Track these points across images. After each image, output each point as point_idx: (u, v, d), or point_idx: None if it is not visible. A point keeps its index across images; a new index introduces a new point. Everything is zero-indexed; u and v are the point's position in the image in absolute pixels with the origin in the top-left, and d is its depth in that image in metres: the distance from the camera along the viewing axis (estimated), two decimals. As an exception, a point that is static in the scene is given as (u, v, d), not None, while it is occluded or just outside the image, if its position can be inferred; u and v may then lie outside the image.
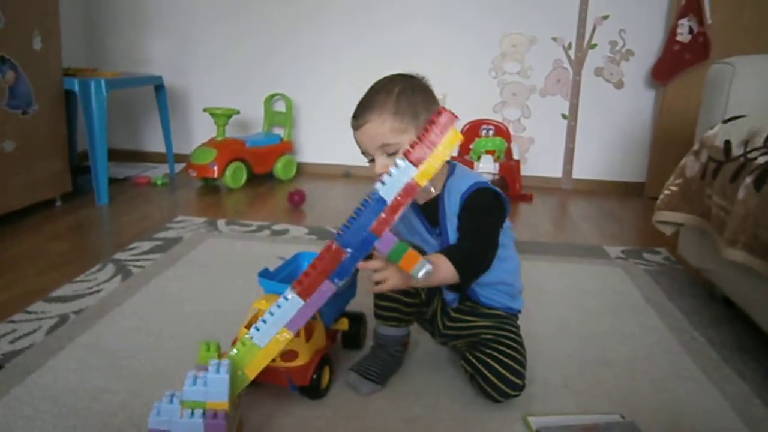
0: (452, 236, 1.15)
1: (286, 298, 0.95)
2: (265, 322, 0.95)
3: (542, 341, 1.43)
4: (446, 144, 0.91)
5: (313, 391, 1.15)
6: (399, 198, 0.93)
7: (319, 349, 1.18)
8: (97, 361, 1.27)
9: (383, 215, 0.93)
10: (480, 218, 1.13)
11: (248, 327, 1.16)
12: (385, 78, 1.17)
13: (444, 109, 0.92)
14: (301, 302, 0.95)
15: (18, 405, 1.10)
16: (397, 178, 0.92)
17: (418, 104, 1.11)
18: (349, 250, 0.94)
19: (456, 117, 0.92)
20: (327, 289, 0.95)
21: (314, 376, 1.14)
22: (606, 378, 1.28)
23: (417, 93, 1.13)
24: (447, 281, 1.07)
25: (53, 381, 1.18)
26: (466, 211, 1.13)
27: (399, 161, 0.92)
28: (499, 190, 1.16)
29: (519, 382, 1.13)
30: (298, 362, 1.12)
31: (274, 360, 1.08)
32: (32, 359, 1.26)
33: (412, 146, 0.92)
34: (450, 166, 1.18)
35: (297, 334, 1.12)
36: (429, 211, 1.19)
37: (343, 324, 1.27)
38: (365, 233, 0.93)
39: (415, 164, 0.91)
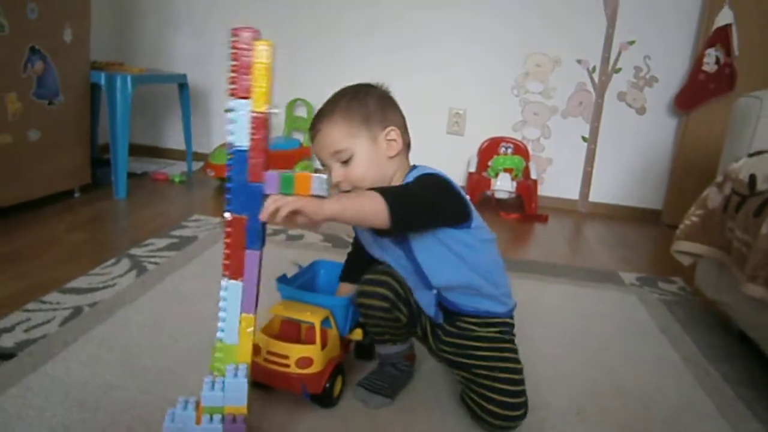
0: (417, 246, 1.09)
1: (225, 289, 0.92)
2: (223, 320, 0.93)
3: (554, 366, 1.42)
4: (259, 58, 0.86)
5: (325, 399, 1.14)
6: (255, 136, 0.87)
7: (333, 358, 1.17)
8: (108, 355, 1.27)
9: (251, 161, 0.88)
10: (420, 183, 1.07)
11: (265, 331, 1.17)
12: (341, 89, 1.16)
13: (240, 28, 0.87)
14: (239, 283, 0.92)
15: (30, 395, 1.10)
16: (239, 122, 0.87)
17: (370, 107, 1.10)
18: (245, 213, 0.90)
19: (255, 30, 0.86)
20: (252, 258, 0.91)
21: (327, 385, 1.13)
22: (618, 407, 1.27)
23: (369, 97, 1.12)
24: (375, 213, 0.96)
25: (65, 373, 1.18)
26: (413, 181, 1.08)
27: (230, 103, 0.87)
28: (454, 182, 1.11)
29: (518, 413, 1.11)
30: (312, 369, 1.11)
31: (288, 366, 1.10)
32: (45, 350, 1.26)
33: (231, 82, 0.86)
34: (411, 167, 1.15)
35: (309, 341, 1.14)
36: None
37: (358, 334, 1.26)
38: (247, 188, 0.89)
39: (246, 96, 0.86)
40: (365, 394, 1.18)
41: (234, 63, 0.86)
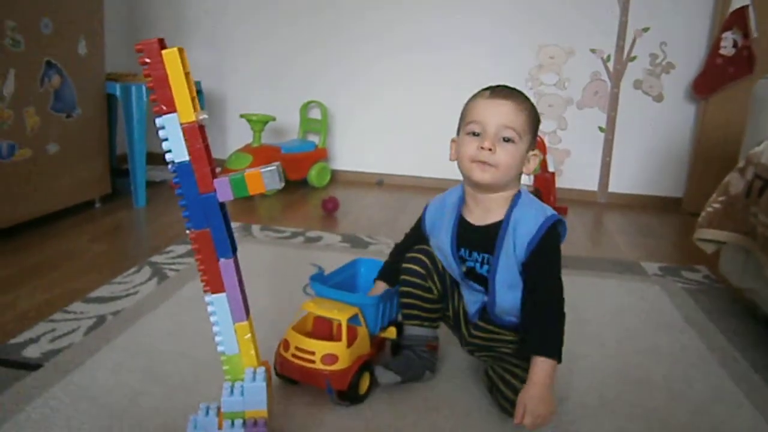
0: (501, 276, 1.15)
1: (211, 303, 0.91)
2: (218, 334, 0.92)
3: (578, 358, 1.40)
4: (171, 68, 0.81)
5: (351, 395, 1.15)
6: (192, 146, 0.84)
7: (361, 356, 1.19)
8: (132, 363, 1.28)
9: (197, 172, 0.85)
10: (549, 274, 1.13)
11: (295, 328, 1.20)
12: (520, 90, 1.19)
13: (144, 42, 0.81)
14: (222, 295, 0.90)
15: (57, 404, 1.12)
16: (172, 136, 0.84)
17: (537, 127, 1.16)
18: (206, 226, 0.87)
19: (159, 40, 0.81)
20: (227, 268, 0.89)
21: (353, 381, 1.14)
22: (644, 399, 1.25)
23: (538, 120, 1.17)
24: (553, 372, 1.08)
25: (91, 381, 1.20)
26: (535, 264, 1.12)
27: (158, 121, 0.84)
28: (561, 217, 1.15)
29: None
30: (337, 366, 1.13)
31: (314, 362, 1.13)
32: (71, 359, 1.28)
33: (153, 100, 0.83)
34: (516, 194, 1.16)
35: (339, 338, 1.16)
36: (478, 235, 1.18)
37: (391, 333, 1.28)
38: (200, 199, 0.86)
39: (172, 111, 0.83)
40: (378, 370, 1.19)
41: (149, 79, 0.82)
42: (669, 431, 1.14)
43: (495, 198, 1.16)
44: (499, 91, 1.14)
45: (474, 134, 1.12)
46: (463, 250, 1.20)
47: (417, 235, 1.32)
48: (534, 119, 1.14)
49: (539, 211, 1.14)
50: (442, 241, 1.22)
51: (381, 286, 1.34)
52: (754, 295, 1.62)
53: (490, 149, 1.09)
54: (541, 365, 1.07)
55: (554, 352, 1.08)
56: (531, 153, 1.14)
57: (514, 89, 1.15)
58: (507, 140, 1.10)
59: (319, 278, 1.30)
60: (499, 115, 1.11)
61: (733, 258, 1.71)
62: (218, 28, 3.42)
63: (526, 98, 1.15)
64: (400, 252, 1.33)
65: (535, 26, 3.14)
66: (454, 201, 1.23)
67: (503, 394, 1.13)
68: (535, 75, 3.18)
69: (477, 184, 1.14)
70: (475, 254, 1.19)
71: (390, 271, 1.33)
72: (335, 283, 1.33)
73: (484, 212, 1.17)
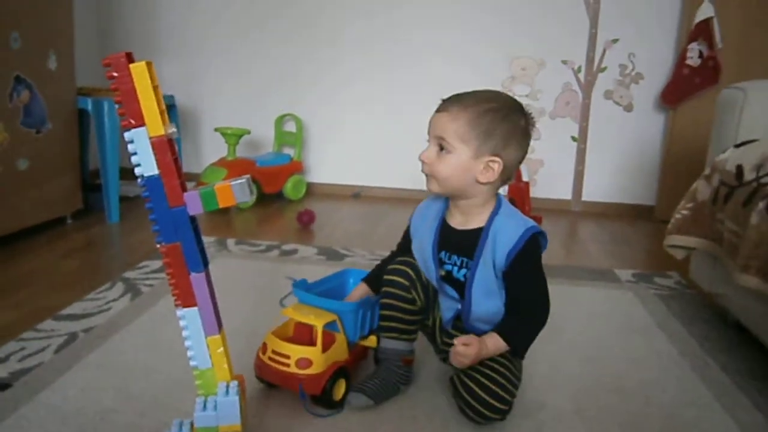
0: (478, 282, 1.15)
1: (183, 318, 0.91)
2: (190, 348, 0.92)
3: (552, 366, 1.41)
4: (139, 82, 0.81)
5: (325, 400, 1.16)
6: (161, 160, 0.84)
7: (337, 362, 1.19)
8: (105, 381, 1.26)
9: (166, 186, 0.85)
10: (530, 284, 1.15)
11: (276, 333, 1.22)
12: (497, 91, 1.18)
13: (111, 56, 0.81)
14: (194, 309, 0.90)
15: (26, 424, 1.09)
16: (141, 150, 0.84)
17: (498, 130, 1.10)
18: (176, 240, 0.87)
19: (126, 54, 0.81)
20: (199, 282, 0.89)
21: (327, 387, 1.15)
22: (618, 404, 1.27)
23: (506, 123, 1.11)
24: (497, 353, 1.14)
25: (61, 400, 1.18)
26: (515, 273, 1.13)
27: (126, 135, 0.83)
28: (542, 229, 1.16)
29: (500, 406, 1.11)
30: (310, 371, 1.14)
31: (288, 366, 1.15)
32: (41, 378, 1.26)
33: (121, 114, 0.83)
34: (497, 200, 1.18)
35: (309, 343, 1.17)
36: (459, 238, 1.19)
37: (372, 341, 1.29)
38: (171, 213, 0.86)
39: (141, 124, 0.82)
40: (351, 394, 1.19)
41: (117, 93, 0.81)
42: (643, 436, 1.15)
43: (468, 204, 1.17)
44: (447, 100, 1.15)
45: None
46: (443, 252, 1.21)
47: (405, 243, 1.33)
48: (478, 124, 1.09)
49: (520, 222, 1.15)
50: (424, 242, 1.23)
51: (363, 290, 1.34)
52: (723, 300, 1.65)
53: (423, 160, 1.13)
54: (497, 341, 1.13)
55: (516, 343, 1.15)
56: (486, 159, 1.11)
57: (469, 96, 1.13)
58: (442, 149, 1.12)
59: (303, 285, 1.31)
60: (436, 125, 1.13)
61: (702, 264, 1.74)
62: (192, 42, 3.41)
63: (479, 103, 1.11)
64: (392, 258, 1.33)
65: (508, 38, 3.18)
66: (440, 205, 1.24)
67: (463, 399, 1.14)
68: (508, 86, 3.22)
69: (431, 192, 1.18)
70: (454, 257, 1.19)
71: (376, 276, 1.33)
72: (321, 291, 1.33)
73: (464, 217, 1.19)
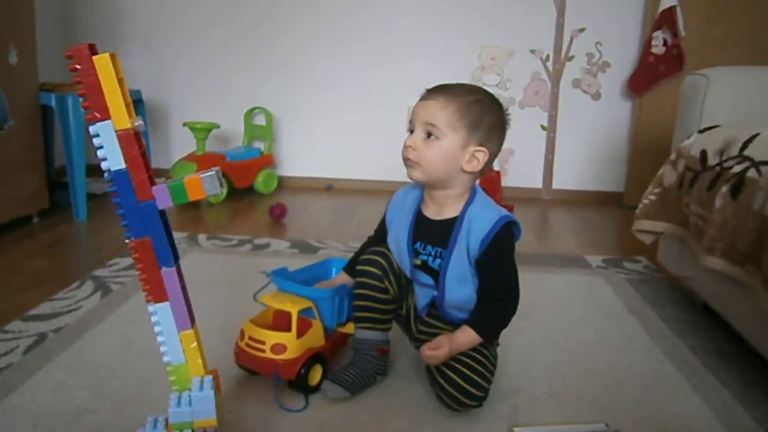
0: (452, 271, 1.16)
1: (155, 313, 0.90)
2: (163, 344, 0.91)
3: (525, 352, 1.43)
4: (103, 74, 0.79)
5: (299, 385, 1.18)
6: (128, 153, 0.82)
7: (313, 347, 1.21)
8: (76, 380, 1.24)
9: (135, 180, 0.83)
10: (502, 272, 1.16)
11: (255, 320, 1.24)
12: (478, 85, 1.19)
13: (75, 48, 0.79)
14: (165, 304, 0.89)
15: (-5, 427, 1.07)
16: (107, 144, 0.82)
17: (484, 121, 1.12)
18: (146, 234, 0.86)
19: (89, 45, 0.79)
20: (170, 277, 0.88)
21: (302, 372, 1.16)
22: (590, 387, 1.29)
23: (491, 113, 1.14)
24: (470, 346, 1.16)
25: (31, 402, 1.16)
26: (488, 260, 1.14)
27: (92, 129, 0.82)
28: (515, 218, 1.17)
29: (477, 393, 1.13)
30: (285, 356, 1.16)
31: (264, 351, 1.17)
32: (9, 380, 1.23)
33: (86, 107, 0.81)
34: (472, 190, 1.18)
35: (287, 330, 1.18)
36: (434, 228, 1.19)
37: (350, 328, 1.30)
38: (139, 207, 0.84)
39: (106, 118, 0.81)
40: (327, 384, 1.20)
41: (80, 86, 0.79)
42: (615, 418, 1.17)
43: (445, 195, 1.17)
44: (432, 89, 1.16)
45: (411, 132, 1.15)
46: (418, 243, 1.21)
47: (382, 230, 1.33)
48: (468, 113, 1.11)
49: (494, 211, 1.15)
50: (400, 233, 1.23)
51: (342, 278, 1.35)
52: (690, 283, 1.68)
53: (410, 146, 1.13)
54: (468, 334, 1.15)
55: (485, 333, 1.16)
56: (472, 149, 1.12)
57: (455, 86, 1.15)
58: (429, 136, 1.12)
59: (283, 273, 1.31)
60: (424, 111, 1.13)
61: (669, 248, 1.77)
62: (158, 35, 3.36)
63: (467, 93, 1.13)
64: (367, 246, 1.34)
65: (476, 28, 3.19)
66: (415, 195, 1.24)
67: (441, 387, 1.14)
68: (478, 76, 3.23)
69: (413, 180, 1.17)
70: (429, 248, 1.20)
71: (354, 264, 1.33)
72: (302, 280, 1.33)
73: (438, 208, 1.19)
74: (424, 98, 1.15)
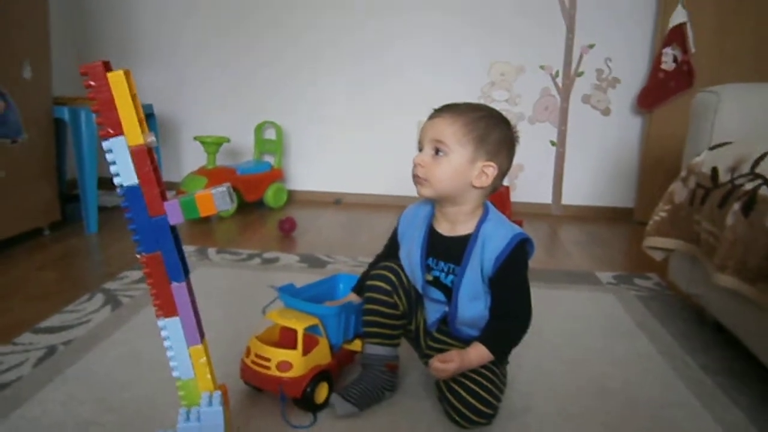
0: (465, 288, 1.16)
1: (165, 328, 0.90)
2: (173, 359, 0.92)
3: (536, 369, 1.42)
4: (117, 90, 0.80)
5: (305, 403, 1.17)
6: (140, 169, 0.83)
7: (319, 365, 1.20)
8: (86, 393, 1.24)
9: (146, 195, 0.84)
10: (515, 289, 1.15)
11: (261, 337, 1.24)
12: (484, 104, 1.21)
13: (88, 65, 0.80)
14: (175, 318, 0.89)
15: (4, 440, 1.08)
16: (120, 159, 0.83)
17: (492, 136, 1.13)
18: (157, 249, 0.87)
19: (104, 62, 0.80)
20: (180, 292, 0.88)
21: (308, 389, 1.16)
22: (601, 406, 1.28)
23: (498, 129, 1.14)
24: (481, 363, 1.15)
25: (41, 415, 1.16)
26: (501, 278, 1.13)
27: (105, 144, 0.83)
28: (529, 236, 1.16)
29: (486, 410, 1.13)
30: (291, 374, 1.16)
31: (269, 369, 1.16)
32: (19, 393, 1.24)
33: (99, 123, 0.82)
34: (484, 207, 1.19)
35: (294, 347, 1.18)
36: (447, 245, 1.19)
37: (357, 345, 1.29)
38: (151, 222, 0.85)
39: (119, 134, 0.82)
40: (336, 399, 1.19)
41: (94, 102, 0.81)
42: (625, 436, 1.16)
43: (457, 211, 1.17)
44: (440, 108, 1.17)
45: (420, 150, 1.16)
46: (431, 259, 1.21)
47: (393, 246, 1.33)
48: (474, 128, 1.12)
49: (509, 228, 1.15)
50: (412, 249, 1.23)
51: (351, 298, 1.35)
52: (701, 300, 1.67)
53: (418, 164, 1.13)
54: (480, 350, 1.13)
55: (497, 350, 1.15)
56: (481, 164, 1.12)
57: (461, 104, 1.16)
58: (438, 153, 1.12)
59: (290, 290, 1.31)
60: (432, 129, 1.14)
61: (680, 265, 1.76)
62: (170, 50, 3.39)
63: (473, 110, 1.14)
64: (377, 261, 1.33)
65: (486, 44, 3.20)
66: (427, 211, 1.24)
67: (450, 403, 1.14)
68: (487, 92, 3.24)
69: (423, 197, 1.18)
70: (441, 264, 1.20)
71: (364, 284, 1.32)
72: (310, 295, 1.33)
73: (451, 224, 1.19)
74: (431, 117, 1.16)
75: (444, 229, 1.20)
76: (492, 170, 1.13)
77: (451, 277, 1.18)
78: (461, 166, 1.12)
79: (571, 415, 1.24)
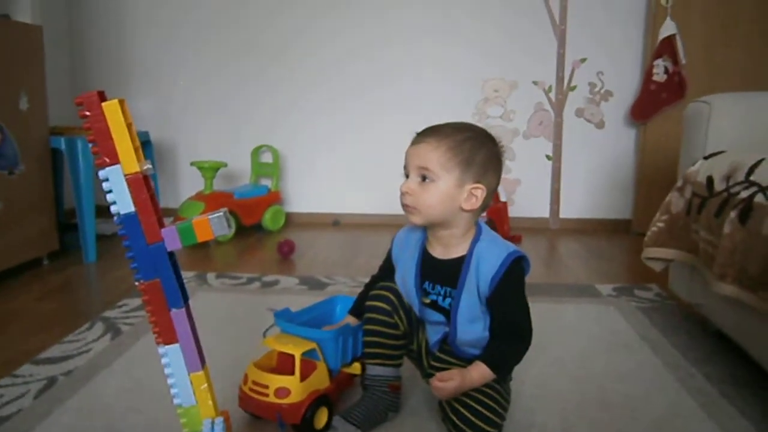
0: (463, 311, 1.15)
1: (165, 355, 0.90)
2: (173, 386, 0.91)
3: (539, 384, 1.41)
4: (112, 120, 0.81)
5: (305, 429, 1.15)
6: (137, 197, 0.84)
7: (317, 390, 1.19)
8: (87, 424, 1.23)
9: (143, 223, 0.85)
10: (514, 308, 1.14)
11: (259, 364, 1.22)
12: (467, 122, 1.19)
13: (84, 95, 0.82)
14: (175, 345, 0.89)
15: (5, 474, 1.06)
16: (116, 188, 0.84)
17: (477, 158, 1.11)
18: (155, 276, 0.87)
19: (99, 93, 0.81)
20: (179, 318, 0.88)
21: (307, 415, 1.14)
22: (605, 419, 1.27)
23: (483, 149, 1.13)
24: (483, 382, 1.13)
25: (42, 447, 1.15)
26: (499, 298, 1.13)
27: (101, 173, 0.84)
28: (524, 253, 1.16)
29: (489, 429, 1.11)
30: (289, 400, 1.14)
31: (267, 396, 1.15)
32: (20, 426, 1.22)
33: (95, 153, 0.83)
34: (477, 227, 1.18)
35: (292, 372, 1.16)
36: (442, 268, 1.18)
37: (356, 368, 1.27)
38: (149, 250, 0.86)
39: (115, 162, 0.83)
40: (339, 422, 1.18)
41: (90, 132, 0.81)
42: (632, 450, 1.16)
43: (449, 234, 1.16)
44: (421, 133, 1.15)
45: (407, 177, 1.15)
46: (427, 283, 1.20)
47: (388, 267, 1.32)
48: (459, 152, 1.10)
49: (502, 247, 1.14)
50: (407, 274, 1.22)
51: (349, 320, 1.34)
52: (703, 309, 1.67)
53: (406, 192, 1.12)
54: (481, 369, 1.12)
55: (499, 369, 1.14)
56: (469, 187, 1.11)
57: (444, 126, 1.15)
58: (425, 179, 1.11)
59: (285, 315, 1.30)
60: (416, 156, 1.12)
61: (680, 275, 1.76)
62: (164, 77, 3.42)
63: (457, 132, 1.12)
64: (373, 284, 1.32)
65: (478, 61, 3.23)
66: (419, 234, 1.23)
67: (453, 423, 1.13)
68: (481, 109, 3.27)
69: (413, 225, 1.17)
70: (438, 287, 1.19)
71: (361, 305, 1.32)
72: (307, 319, 1.32)
73: (444, 247, 1.18)
74: (415, 142, 1.14)
75: (438, 252, 1.19)
76: (480, 192, 1.12)
77: (448, 299, 1.18)
78: (449, 190, 1.11)
79: (576, 430, 1.23)
